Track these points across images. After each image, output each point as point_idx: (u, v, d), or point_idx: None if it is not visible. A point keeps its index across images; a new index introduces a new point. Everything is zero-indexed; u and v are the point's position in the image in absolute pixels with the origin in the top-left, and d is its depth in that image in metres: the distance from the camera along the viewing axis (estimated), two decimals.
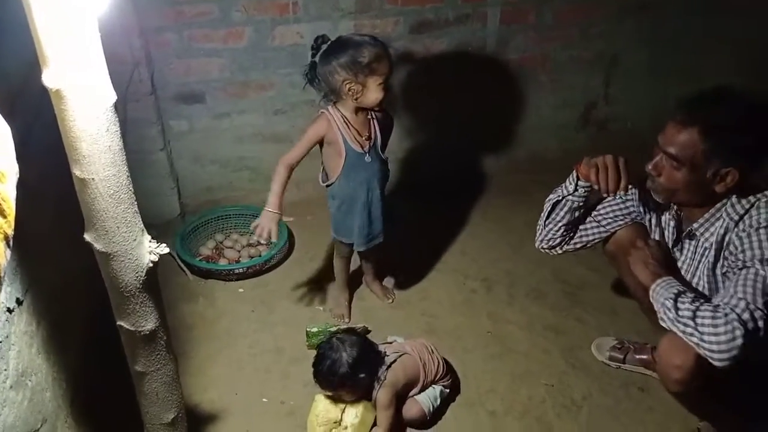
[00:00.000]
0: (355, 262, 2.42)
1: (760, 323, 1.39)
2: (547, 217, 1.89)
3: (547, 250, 1.98)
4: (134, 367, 1.40)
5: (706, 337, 1.41)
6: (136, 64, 2.40)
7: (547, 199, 1.90)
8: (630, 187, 1.70)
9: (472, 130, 3.04)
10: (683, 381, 1.54)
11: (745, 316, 1.39)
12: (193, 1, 2.43)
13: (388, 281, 2.49)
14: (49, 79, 0.98)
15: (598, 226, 1.91)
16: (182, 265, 2.48)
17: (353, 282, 2.46)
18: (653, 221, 1.84)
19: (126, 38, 2.34)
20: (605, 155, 1.67)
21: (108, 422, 1.80)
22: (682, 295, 1.52)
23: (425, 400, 1.91)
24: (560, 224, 1.87)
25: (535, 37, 2.91)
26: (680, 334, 1.47)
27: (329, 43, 1.92)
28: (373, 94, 1.89)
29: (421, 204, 2.86)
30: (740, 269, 1.50)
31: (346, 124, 1.95)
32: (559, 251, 1.97)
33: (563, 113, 3.19)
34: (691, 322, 1.44)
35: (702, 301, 1.48)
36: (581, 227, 1.93)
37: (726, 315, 1.40)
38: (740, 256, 1.51)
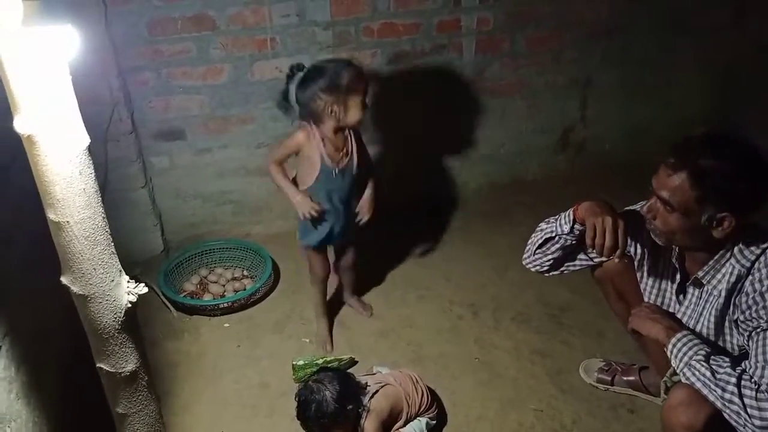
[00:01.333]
0: (332, 285, 2.43)
1: None
2: (538, 248, 1.84)
3: (532, 270, 1.96)
4: (115, 409, 1.38)
5: (750, 411, 1.36)
6: (115, 103, 2.41)
7: (539, 229, 1.84)
8: (625, 254, 1.66)
9: (453, 155, 3.08)
10: None
11: None
12: (170, 41, 2.46)
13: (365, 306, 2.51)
14: (20, 125, 0.99)
15: (587, 259, 1.87)
16: (166, 302, 2.50)
17: (334, 310, 2.47)
18: (647, 265, 1.79)
19: (104, 78, 2.36)
20: (605, 217, 1.58)
21: None
22: (716, 357, 1.46)
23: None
24: (551, 257, 1.83)
25: (510, 65, 2.97)
26: (714, 399, 1.42)
27: (305, 70, 1.99)
28: (354, 113, 1.97)
29: (403, 228, 2.88)
30: (764, 330, 1.44)
31: (324, 141, 2.03)
32: (546, 275, 1.96)
33: (542, 137, 3.23)
34: (735, 389, 1.39)
35: (741, 369, 1.43)
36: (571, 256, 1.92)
37: (767, 392, 1.36)
38: (762, 313, 1.45)
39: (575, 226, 1.72)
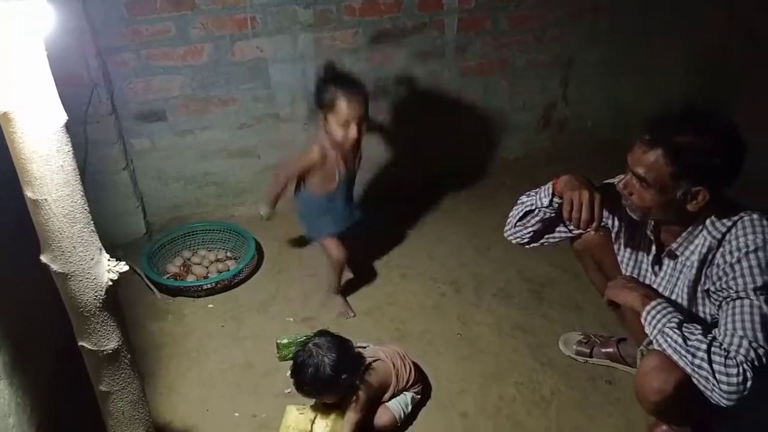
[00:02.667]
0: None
1: (764, 360, 1.40)
2: (519, 220, 1.88)
3: (513, 241, 1.99)
4: (98, 387, 1.39)
5: (718, 376, 1.39)
6: (94, 84, 2.39)
7: (520, 202, 1.88)
8: (601, 226, 1.69)
9: (436, 136, 3.08)
10: (660, 404, 1.54)
11: (751, 355, 1.39)
12: (150, 21, 2.44)
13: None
14: None
15: (566, 231, 1.91)
16: (149, 283, 2.50)
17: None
18: (624, 237, 1.82)
19: (83, 59, 2.34)
20: (582, 191, 1.62)
21: None
22: (688, 325, 1.49)
23: (396, 406, 1.93)
24: (531, 229, 1.87)
25: (492, 43, 2.97)
26: (684, 364, 1.45)
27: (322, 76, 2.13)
28: (336, 130, 2.07)
29: (387, 210, 2.89)
30: (733, 300, 1.48)
31: (339, 156, 2.16)
32: (526, 247, 1.98)
33: (524, 116, 3.25)
34: (705, 356, 1.41)
35: (711, 337, 1.46)
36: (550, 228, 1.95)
37: (735, 358, 1.40)
38: (731, 284, 1.49)
39: (554, 199, 1.76)
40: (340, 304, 2.41)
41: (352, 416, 1.83)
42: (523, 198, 1.87)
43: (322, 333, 1.92)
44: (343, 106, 2.01)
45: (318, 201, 2.25)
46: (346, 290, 2.49)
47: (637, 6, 3.07)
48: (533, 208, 1.81)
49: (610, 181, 1.76)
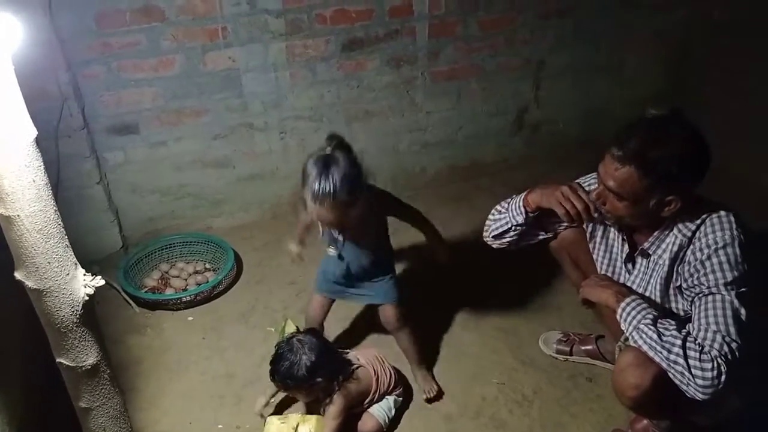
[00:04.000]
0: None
1: (738, 354, 1.43)
2: (496, 237, 1.89)
3: (493, 247, 2.00)
4: (78, 403, 1.38)
5: (694, 371, 1.42)
6: (65, 99, 2.37)
7: (493, 219, 1.87)
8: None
9: (411, 141, 3.11)
10: (637, 400, 1.56)
11: (725, 349, 1.42)
12: (119, 33, 2.42)
13: None
14: None
15: (544, 234, 1.93)
16: (127, 298, 2.47)
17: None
18: (598, 236, 1.84)
19: (53, 74, 2.31)
20: (561, 189, 1.67)
21: None
22: (662, 321, 1.51)
23: (379, 412, 1.93)
24: (508, 240, 1.89)
25: (464, 48, 3.00)
26: (660, 360, 1.47)
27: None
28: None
29: None
30: (705, 295, 1.51)
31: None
32: (507, 249, 2.00)
33: (497, 119, 3.28)
34: (680, 351, 1.44)
35: (686, 332, 1.48)
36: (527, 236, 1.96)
37: (710, 353, 1.42)
38: (703, 279, 1.52)
39: (528, 215, 1.79)
40: None
41: (330, 423, 1.84)
42: (496, 214, 1.87)
43: (311, 332, 1.92)
44: (310, 207, 1.69)
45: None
46: None
47: (601, 5, 3.12)
48: (509, 226, 1.83)
49: (579, 180, 1.79)
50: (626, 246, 1.76)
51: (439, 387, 2.09)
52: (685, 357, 1.44)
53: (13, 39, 1.02)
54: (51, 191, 1.15)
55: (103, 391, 1.38)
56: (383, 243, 2.03)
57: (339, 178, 1.64)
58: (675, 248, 1.62)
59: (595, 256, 1.87)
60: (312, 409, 1.94)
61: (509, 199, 1.85)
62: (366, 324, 2.38)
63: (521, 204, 1.79)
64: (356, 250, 1.92)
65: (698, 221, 1.58)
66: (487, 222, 1.92)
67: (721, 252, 1.52)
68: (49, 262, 1.16)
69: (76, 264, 1.24)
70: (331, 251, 1.95)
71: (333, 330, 2.34)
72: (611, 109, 3.36)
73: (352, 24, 2.74)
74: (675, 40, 3.35)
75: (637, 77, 3.41)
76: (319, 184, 1.64)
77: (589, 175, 1.78)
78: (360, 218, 1.75)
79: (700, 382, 1.42)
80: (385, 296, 2.03)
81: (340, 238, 1.90)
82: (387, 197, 1.95)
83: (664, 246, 1.65)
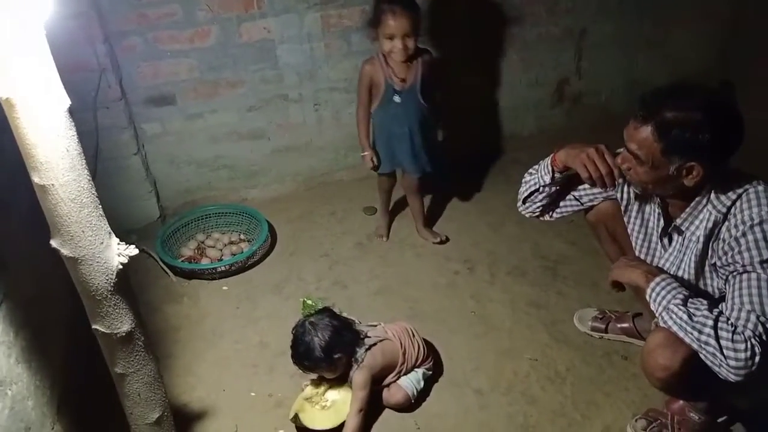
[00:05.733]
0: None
1: None
2: (526, 198, 1.89)
3: (526, 215, 1.98)
4: (114, 369, 1.41)
5: (726, 352, 1.37)
6: (102, 70, 2.39)
7: (524, 181, 1.89)
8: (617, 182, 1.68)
9: (448, 114, 3.05)
10: (667, 381, 1.52)
11: (759, 330, 1.37)
12: (155, 4, 2.43)
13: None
14: None
15: (578, 204, 1.90)
16: (165, 267, 2.52)
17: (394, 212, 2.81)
18: (634, 209, 1.80)
19: (90, 45, 2.33)
20: (587, 151, 1.63)
21: (96, 425, 1.82)
22: (693, 300, 1.47)
23: (408, 384, 1.93)
24: (539, 204, 1.88)
25: (503, 17, 2.91)
26: (690, 340, 1.43)
27: None
28: (385, 44, 2.23)
29: (398, 189, 2.87)
30: (740, 273, 1.46)
31: (388, 64, 2.31)
32: (540, 219, 1.98)
33: (537, 91, 3.20)
34: (711, 331, 1.39)
35: (718, 311, 1.43)
36: (561, 203, 1.93)
37: (743, 333, 1.38)
38: (737, 258, 1.47)
39: (555, 175, 1.76)
40: (380, 226, 2.72)
41: (357, 393, 1.85)
42: (526, 177, 1.88)
43: (324, 311, 1.94)
44: (387, 20, 2.17)
45: (374, 121, 2.43)
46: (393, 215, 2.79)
47: None
48: (537, 187, 1.82)
49: (618, 150, 1.73)
50: (662, 220, 1.71)
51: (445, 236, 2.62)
52: (717, 338, 1.39)
53: (46, 9, 1.02)
54: (84, 161, 1.16)
55: (137, 357, 1.41)
56: (436, 110, 2.50)
57: None
58: (710, 224, 1.56)
59: (630, 231, 1.82)
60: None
61: (541, 161, 1.83)
62: (402, 299, 2.38)
63: (549, 163, 1.78)
64: (414, 99, 2.36)
65: (734, 196, 1.52)
66: (519, 189, 1.92)
67: (757, 229, 1.46)
68: (83, 231, 1.18)
69: (110, 233, 1.26)
70: (396, 98, 2.35)
71: (369, 304, 2.36)
72: (655, 83, 3.19)
73: None
74: (724, 14, 3.19)
75: (682, 52, 3.27)
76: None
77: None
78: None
79: (732, 363, 1.37)
80: (423, 168, 2.52)
81: (404, 86, 2.33)
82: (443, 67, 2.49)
83: (697, 222, 1.59)
